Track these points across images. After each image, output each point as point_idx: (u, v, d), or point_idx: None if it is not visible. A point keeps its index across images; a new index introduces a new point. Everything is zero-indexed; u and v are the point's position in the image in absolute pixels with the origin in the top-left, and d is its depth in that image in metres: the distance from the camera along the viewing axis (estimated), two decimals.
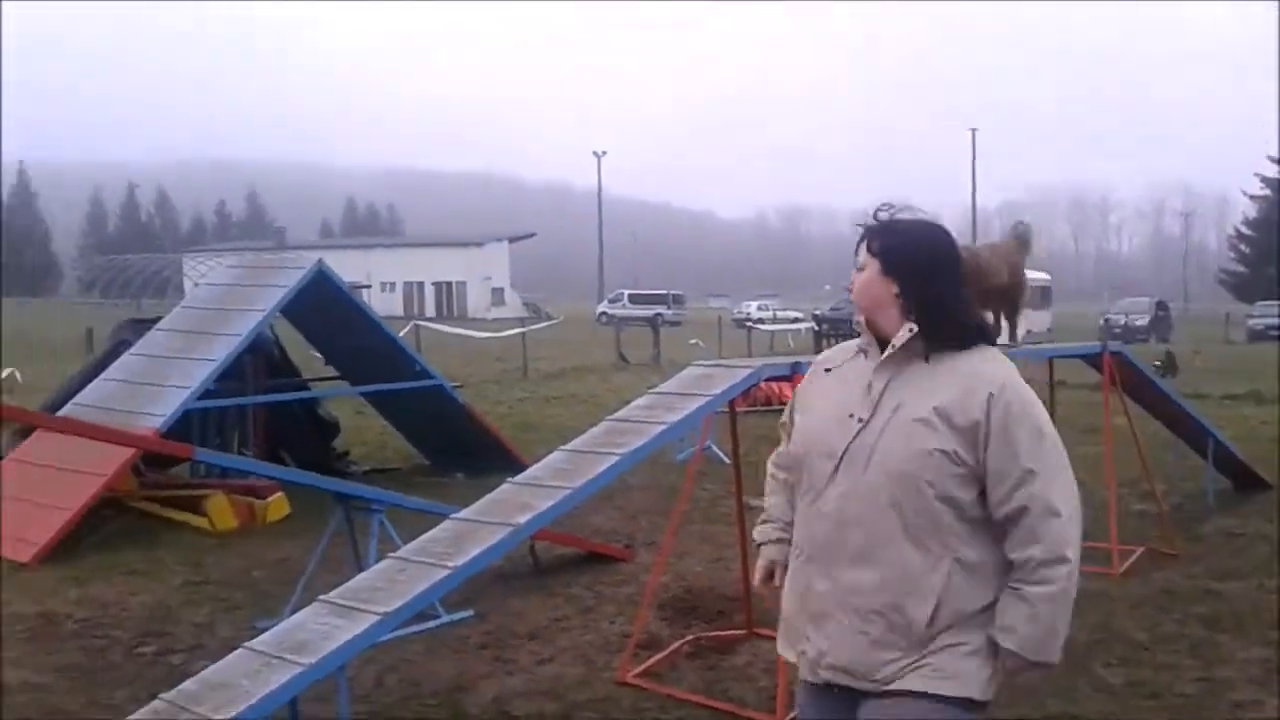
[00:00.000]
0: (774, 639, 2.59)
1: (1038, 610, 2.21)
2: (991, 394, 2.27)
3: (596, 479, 4.48)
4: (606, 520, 8.24)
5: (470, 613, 5.94)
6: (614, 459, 4.54)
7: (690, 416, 4.82)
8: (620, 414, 5.04)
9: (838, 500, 2.32)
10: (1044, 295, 36.51)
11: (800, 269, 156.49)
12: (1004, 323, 6.46)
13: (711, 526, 7.96)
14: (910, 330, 2.33)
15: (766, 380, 5.58)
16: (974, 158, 63.97)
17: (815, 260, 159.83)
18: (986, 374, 2.31)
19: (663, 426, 4.73)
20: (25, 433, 8.44)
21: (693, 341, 27.43)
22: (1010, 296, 6.39)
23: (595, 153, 73.48)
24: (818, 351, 6.41)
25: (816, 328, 29.45)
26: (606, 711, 4.66)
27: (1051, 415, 2.47)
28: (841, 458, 2.32)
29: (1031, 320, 33.96)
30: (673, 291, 64.74)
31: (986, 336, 2.42)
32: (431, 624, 5.66)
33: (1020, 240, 6.69)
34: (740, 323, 42.53)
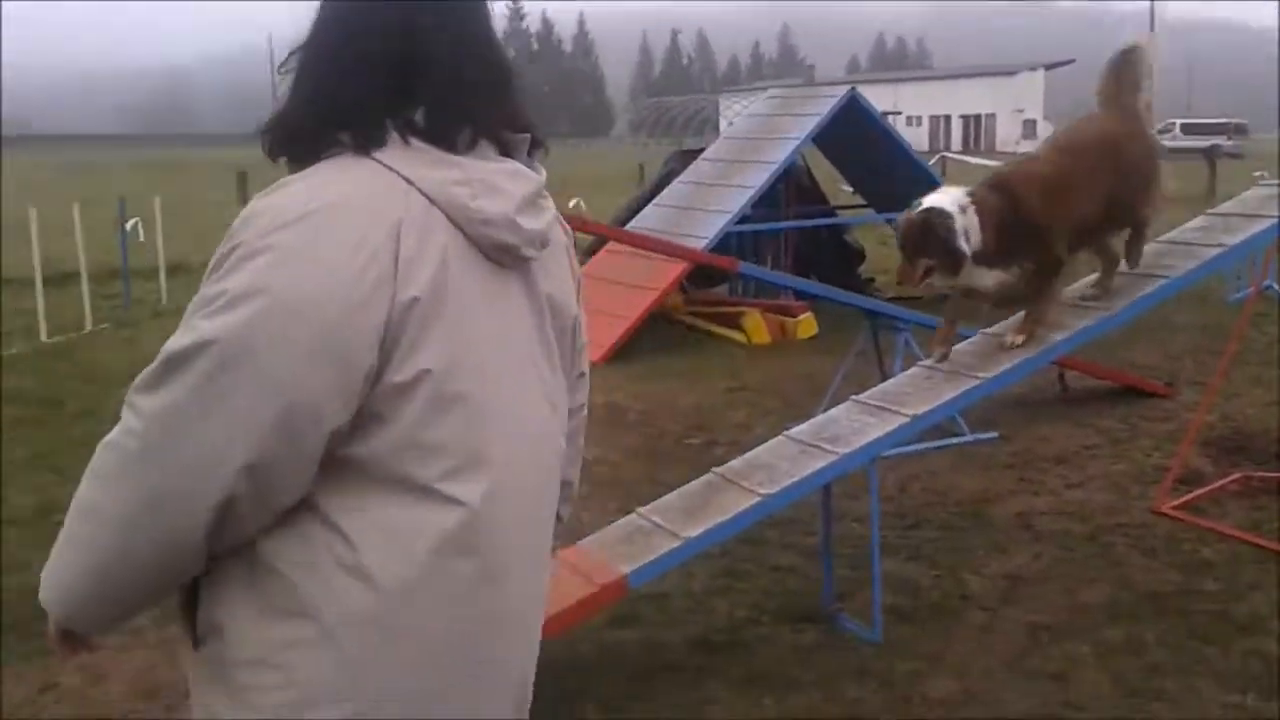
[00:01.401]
0: None
1: None
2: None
3: (1138, 302, 4.18)
4: (1145, 356, 7.77)
5: (995, 434, 5.96)
6: (1161, 282, 4.21)
7: (1252, 239, 4.36)
8: (1169, 235, 4.67)
9: None
10: None
11: None
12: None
13: (1268, 369, 7.23)
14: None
15: None
16: None
17: None
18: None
19: (1219, 250, 4.30)
20: (590, 252, 9.57)
21: (1256, 174, 24.21)
22: (1129, 204, 3.88)
23: None
24: None
25: None
26: (1140, 538, 4.54)
27: None
28: None
29: None
30: (1234, 120, 57.12)
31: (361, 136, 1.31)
32: (955, 440, 5.77)
33: (1124, 78, 3.83)
34: None
